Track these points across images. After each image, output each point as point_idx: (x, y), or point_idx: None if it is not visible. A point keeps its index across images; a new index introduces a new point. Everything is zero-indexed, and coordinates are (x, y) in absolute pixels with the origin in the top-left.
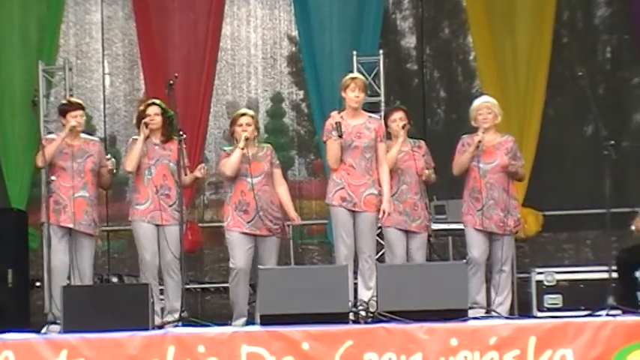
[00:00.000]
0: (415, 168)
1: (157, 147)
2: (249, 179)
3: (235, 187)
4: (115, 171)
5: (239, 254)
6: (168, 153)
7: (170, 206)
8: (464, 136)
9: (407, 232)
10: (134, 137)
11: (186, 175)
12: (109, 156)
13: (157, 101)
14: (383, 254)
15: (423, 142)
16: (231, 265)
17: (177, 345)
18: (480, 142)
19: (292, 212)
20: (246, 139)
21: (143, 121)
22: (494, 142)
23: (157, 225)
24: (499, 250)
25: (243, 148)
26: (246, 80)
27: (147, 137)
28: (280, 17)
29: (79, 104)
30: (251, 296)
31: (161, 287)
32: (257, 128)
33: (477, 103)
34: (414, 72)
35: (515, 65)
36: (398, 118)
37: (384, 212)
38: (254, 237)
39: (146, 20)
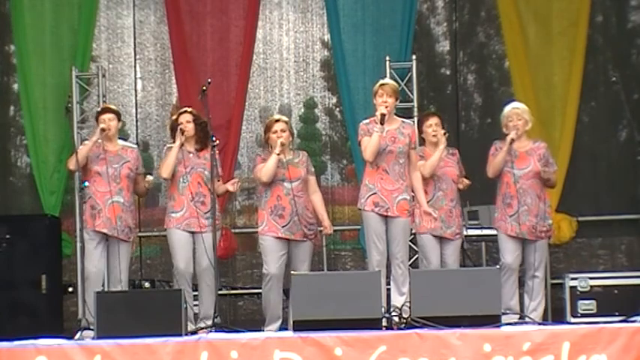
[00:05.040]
0: (450, 175)
1: (191, 155)
2: (286, 184)
3: (271, 192)
4: (150, 187)
5: (272, 260)
6: (203, 162)
7: (205, 213)
8: (496, 141)
9: (441, 239)
10: (169, 145)
11: (219, 181)
12: (149, 178)
13: (189, 109)
14: (416, 260)
15: (456, 150)
16: (264, 271)
17: (210, 350)
18: (512, 139)
19: (326, 221)
20: (282, 144)
21: (180, 127)
22: (527, 148)
23: (193, 232)
24: (532, 256)
25: (279, 154)
26: (279, 84)
27: (182, 144)
28: (313, 21)
29: (111, 109)
30: (284, 302)
31: (194, 293)
32: (291, 133)
33: (506, 109)
34: (448, 77)
35: (549, 71)
36: (433, 124)
37: (428, 214)
38: (288, 242)
39: (178, 24)
